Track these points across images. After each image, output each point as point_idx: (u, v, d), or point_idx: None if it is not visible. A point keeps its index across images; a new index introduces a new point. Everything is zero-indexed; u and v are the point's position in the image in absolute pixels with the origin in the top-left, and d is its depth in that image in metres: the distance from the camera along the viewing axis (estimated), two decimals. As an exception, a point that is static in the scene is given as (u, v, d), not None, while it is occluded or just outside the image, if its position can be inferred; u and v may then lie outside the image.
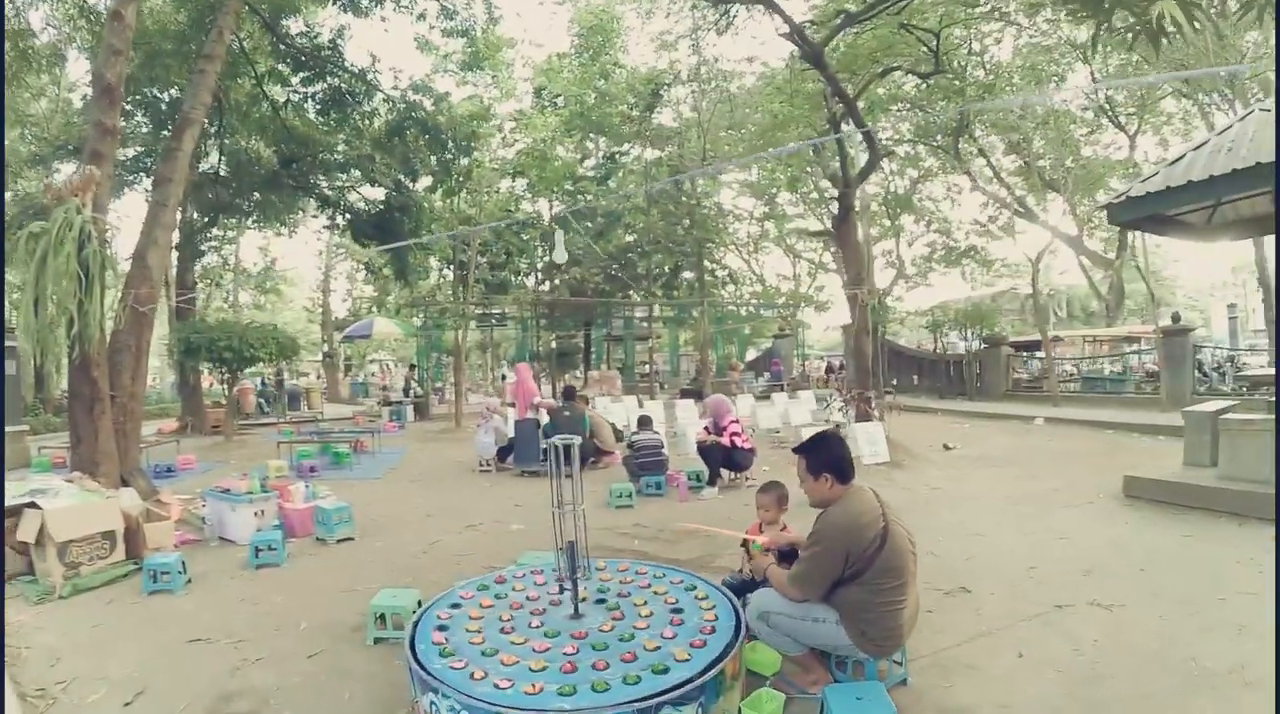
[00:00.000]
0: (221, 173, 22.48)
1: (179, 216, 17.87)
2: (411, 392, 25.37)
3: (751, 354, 34.96)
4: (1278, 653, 3.90)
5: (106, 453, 9.38)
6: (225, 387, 20.73)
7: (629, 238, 31.09)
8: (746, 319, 32.59)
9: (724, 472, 10.81)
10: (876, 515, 3.81)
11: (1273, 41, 18.56)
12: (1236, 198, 8.67)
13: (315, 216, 31.06)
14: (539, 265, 33.62)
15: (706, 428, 11.08)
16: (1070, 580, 5.94)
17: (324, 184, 25.25)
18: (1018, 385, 25.12)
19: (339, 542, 8.07)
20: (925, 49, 15.98)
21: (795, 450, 4.14)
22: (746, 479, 10.96)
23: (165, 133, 17.96)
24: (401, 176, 24.50)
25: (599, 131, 29.59)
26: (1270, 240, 12.80)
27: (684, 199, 29.42)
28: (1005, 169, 28.45)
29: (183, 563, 6.59)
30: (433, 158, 23.44)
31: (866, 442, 12.58)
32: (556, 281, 31.28)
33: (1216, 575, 5.85)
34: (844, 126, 17.19)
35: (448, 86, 26.02)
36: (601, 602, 4.37)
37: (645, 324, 32.62)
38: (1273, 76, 16.36)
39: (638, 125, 28.75)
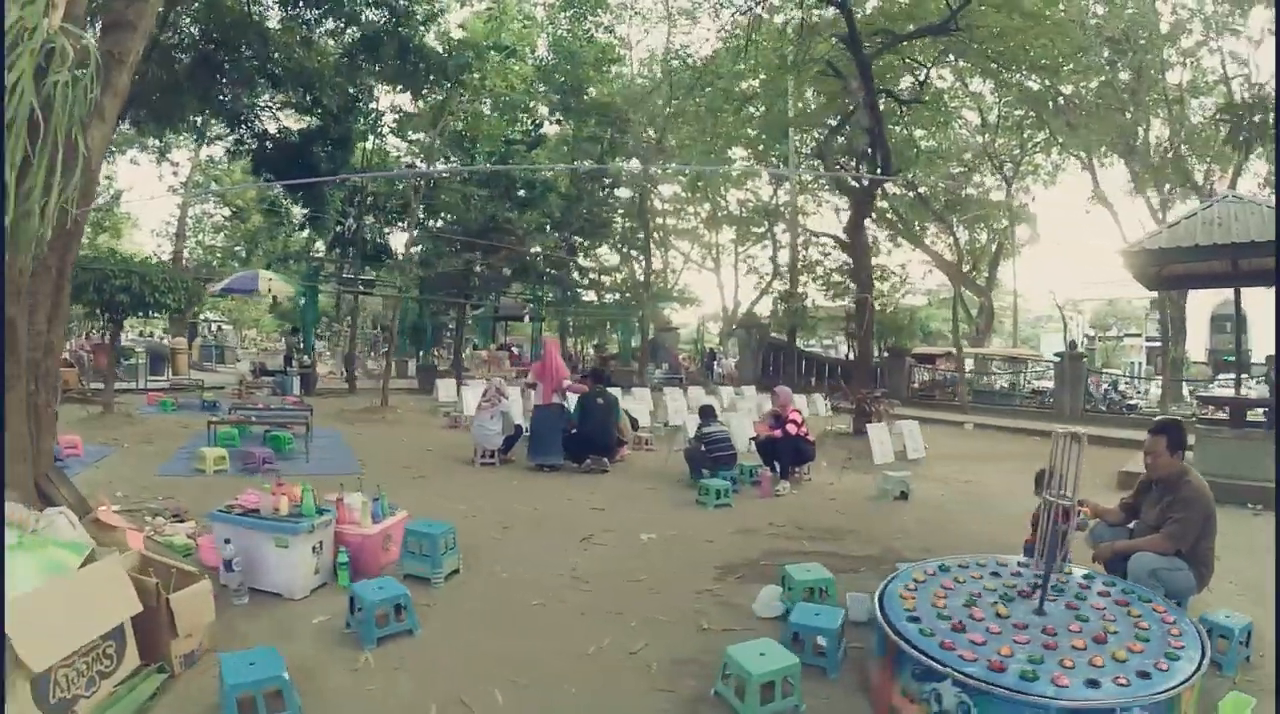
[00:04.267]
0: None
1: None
2: (295, 361, 22.61)
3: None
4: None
5: (17, 446, 5.52)
6: (105, 340, 17.63)
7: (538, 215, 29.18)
8: (610, 313, 32.12)
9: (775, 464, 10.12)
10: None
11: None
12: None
13: (211, 139, 26.45)
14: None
15: (768, 422, 10.47)
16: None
17: (241, 96, 19.48)
18: (916, 393, 26.29)
19: (449, 577, 5.74)
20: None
21: (1155, 431, 4.99)
22: (805, 472, 10.44)
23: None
24: (357, 102, 21.17)
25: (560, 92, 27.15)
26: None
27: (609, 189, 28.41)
28: (896, 195, 29.29)
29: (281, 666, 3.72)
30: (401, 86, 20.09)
31: (878, 443, 12.53)
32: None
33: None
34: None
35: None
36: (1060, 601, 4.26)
37: (531, 306, 31.19)
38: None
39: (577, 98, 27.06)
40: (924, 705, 3.46)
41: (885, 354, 26.60)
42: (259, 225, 33.36)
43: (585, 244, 29.98)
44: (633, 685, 4.14)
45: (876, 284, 30.48)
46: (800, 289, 29.69)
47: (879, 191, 25.90)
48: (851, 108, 17.30)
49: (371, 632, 4.45)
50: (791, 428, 10.03)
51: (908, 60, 19.47)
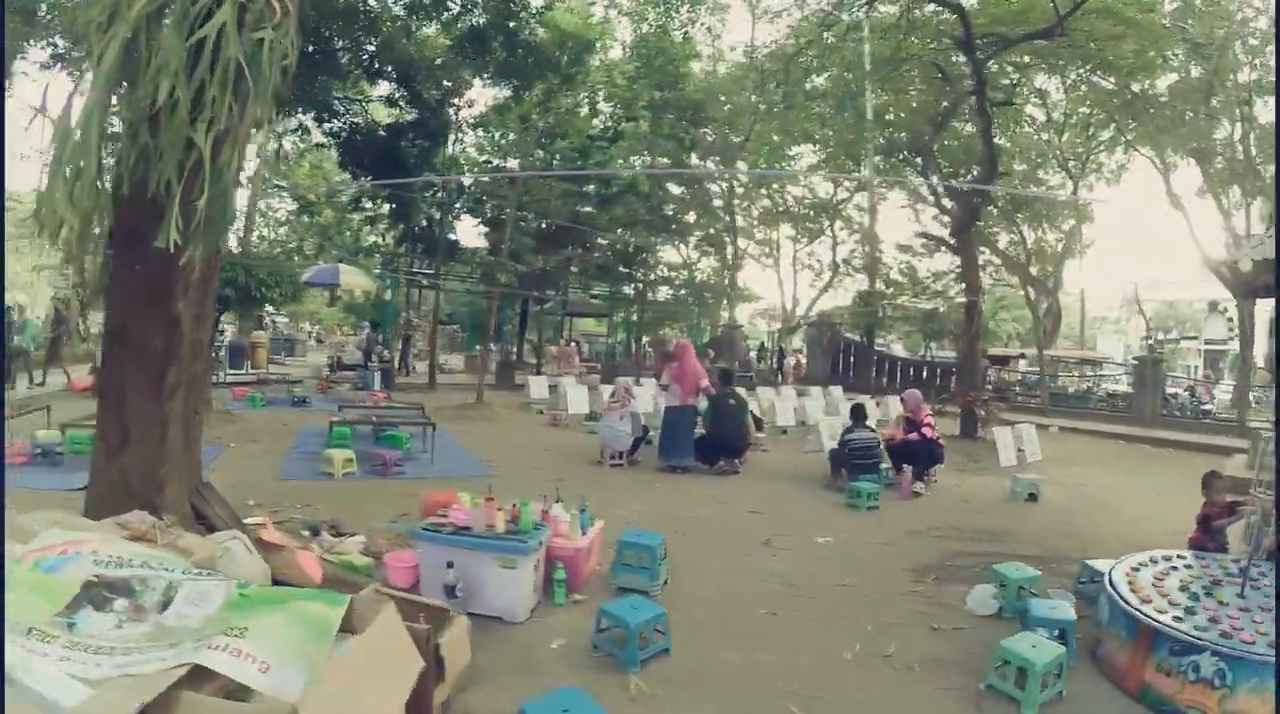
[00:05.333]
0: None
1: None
2: (375, 356, 22.72)
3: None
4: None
5: (175, 462, 5.08)
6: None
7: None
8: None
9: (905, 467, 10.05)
10: None
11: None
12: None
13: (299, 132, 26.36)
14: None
15: (901, 426, 10.50)
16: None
17: (336, 88, 18.53)
18: (991, 395, 25.56)
19: (661, 589, 5.52)
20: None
21: None
22: (933, 475, 10.38)
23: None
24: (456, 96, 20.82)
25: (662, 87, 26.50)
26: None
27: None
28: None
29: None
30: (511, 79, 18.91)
31: (1003, 446, 12.60)
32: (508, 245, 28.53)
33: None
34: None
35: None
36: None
37: (596, 302, 31.32)
38: None
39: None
40: (1180, 676, 3.98)
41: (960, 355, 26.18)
42: (329, 220, 33.56)
43: (659, 240, 29.92)
44: (908, 688, 4.22)
45: (950, 283, 30.43)
46: (878, 287, 29.46)
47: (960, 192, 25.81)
48: (949, 109, 17.22)
49: (635, 654, 4.25)
50: (928, 431, 10.08)
51: (1004, 64, 19.31)
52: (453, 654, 3.61)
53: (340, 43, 16.59)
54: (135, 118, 4.25)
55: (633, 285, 30.41)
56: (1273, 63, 26.19)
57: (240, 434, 11.63)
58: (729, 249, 32.42)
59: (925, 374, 27.65)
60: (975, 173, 25.63)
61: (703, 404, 10.97)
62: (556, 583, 5.19)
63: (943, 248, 29.53)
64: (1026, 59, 19.40)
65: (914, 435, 10.03)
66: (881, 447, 10.23)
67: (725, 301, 32.54)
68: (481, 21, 16.73)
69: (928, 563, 6.63)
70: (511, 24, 16.61)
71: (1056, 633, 4.50)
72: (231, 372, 21.63)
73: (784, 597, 5.64)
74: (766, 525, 7.83)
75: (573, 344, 30.38)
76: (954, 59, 17.84)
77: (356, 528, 6.45)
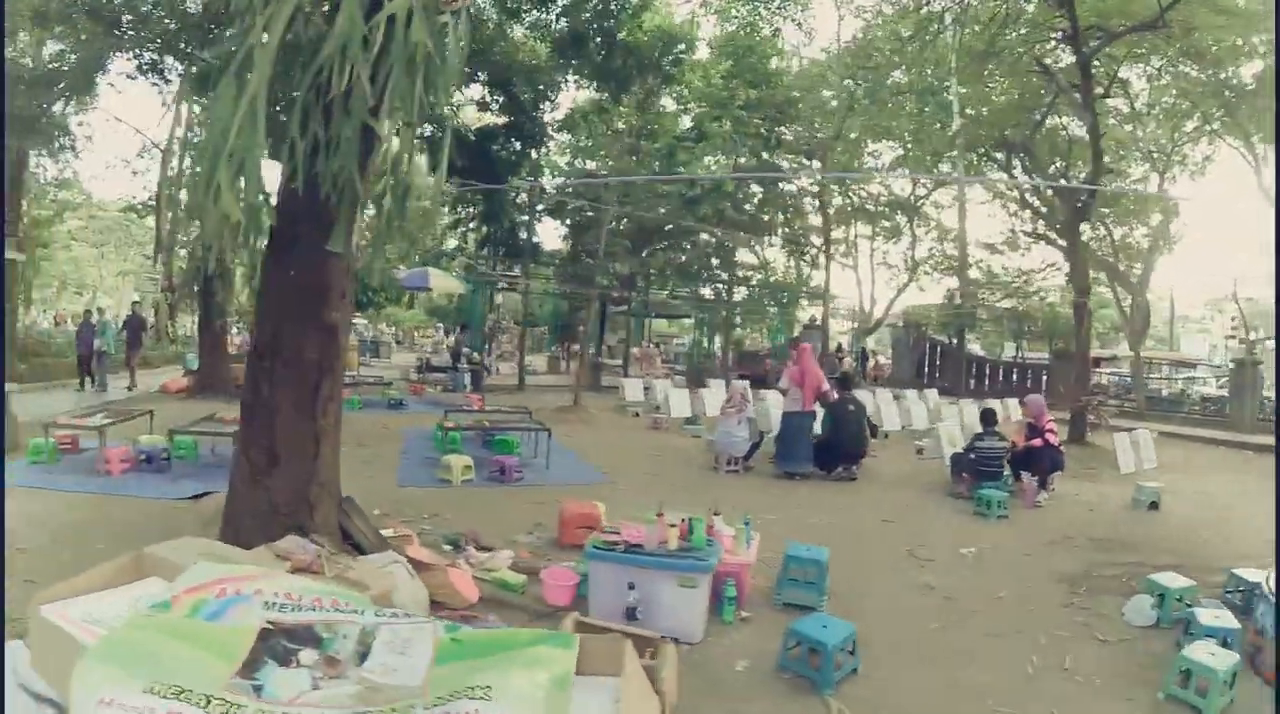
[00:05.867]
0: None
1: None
2: (465, 357, 23.04)
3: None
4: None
5: (326, 478, 5.06)
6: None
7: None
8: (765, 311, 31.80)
9: (1023, 475, 9.86)
10: None
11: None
12: None
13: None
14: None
15: (1023, 432, 10.25)
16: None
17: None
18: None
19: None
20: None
21: None
22: (1053, 482, 10.16)
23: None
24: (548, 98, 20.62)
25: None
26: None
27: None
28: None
29: None
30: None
31: (1122, 451, 12.46)
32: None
33: None
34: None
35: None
36: None
37: (676, 303, 31.22)
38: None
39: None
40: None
41: (1052, 357, 25.57)
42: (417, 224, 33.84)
43: (744, 240, 29.68)
44: (1095, 702, 4.23)
45: (1040, 282, 29.87)
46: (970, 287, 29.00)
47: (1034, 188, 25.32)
48: (1050, 104, 16.92)
49: (831, 676, 4.12)
50: (1051, 437, 9.92)
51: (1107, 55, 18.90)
52: (669, 689, 3.32)
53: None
54: (304, 105, 3.91)
55: (713, 286, 30.23)
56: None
57: (346, 438, 11.53)
58: (810, 248, 32.06)
59: (1016, 376, 27.11)
60: (1059, 166, 25.22)
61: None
62: (726, 600, 5.06)
63: (1030, 246, 29.07)
64: (1119, 50, 18.96)
65: (1037, 441, 9.86)
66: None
67: (805, 301, 32.18)
68: (582, 21, 16.59)
69: (1073, 573, 6.60)
70: (610, 23, 16.49)
71: (1221, 641, 4.53)
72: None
73: (947, 611, 5.60)
74: (903, 535, 7.80)
75: (653, 346, 30.44)
76: (1057, 51, 17.43)
77: (494, 540, 6.47)
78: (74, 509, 7.25)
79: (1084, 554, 7.30)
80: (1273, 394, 24.01)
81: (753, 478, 10.67)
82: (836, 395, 10.97)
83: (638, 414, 16.73)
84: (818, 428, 10.91)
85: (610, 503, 7.40)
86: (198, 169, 3.74)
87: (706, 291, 30.88)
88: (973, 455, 9.86)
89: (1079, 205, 17.66)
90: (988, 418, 10.44)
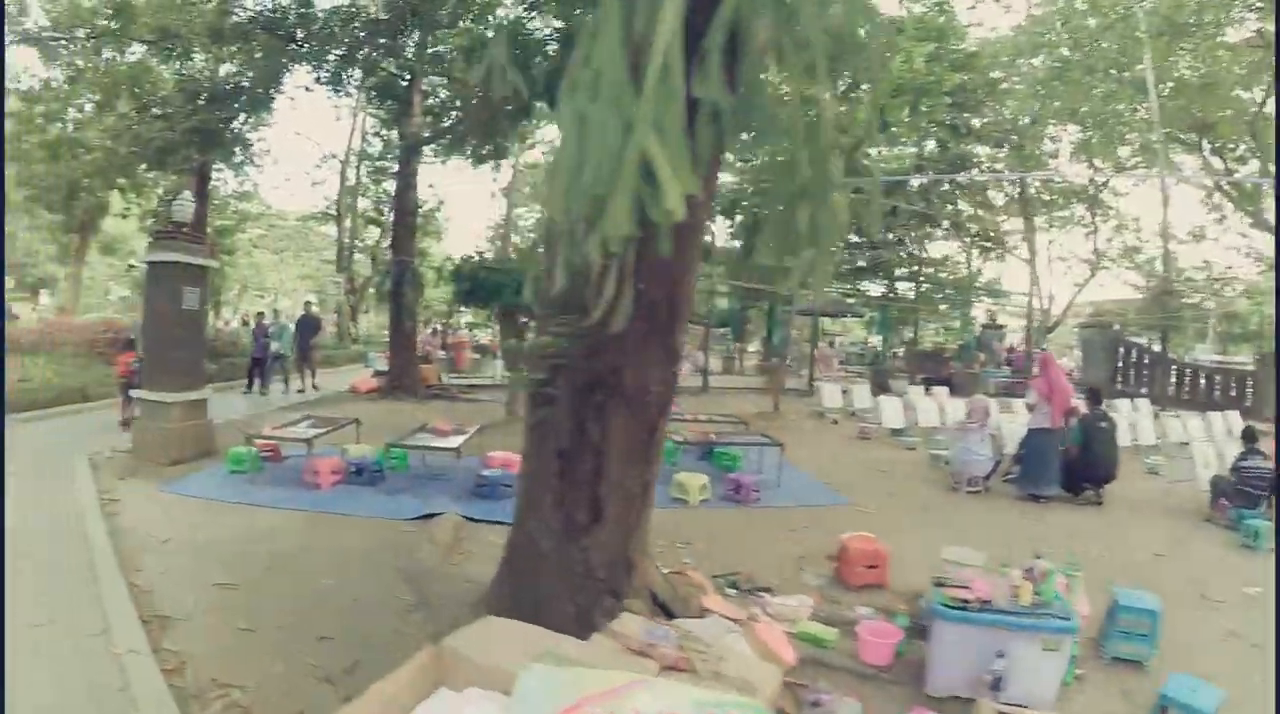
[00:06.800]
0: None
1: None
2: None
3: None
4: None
5: (644, 533, 4.30)
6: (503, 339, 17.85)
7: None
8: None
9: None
10: None
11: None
12: None
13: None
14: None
15: None
16: None
17: None
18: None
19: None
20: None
21: None
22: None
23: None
24: None
25: None
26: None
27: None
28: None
29: None
30: None
31: None
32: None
33: None
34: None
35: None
36: None
37: (850, 301, 29.76)
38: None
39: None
40: None
41: (1257, 361, 22.54)
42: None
43: (928, 233, 28.16)
44: None
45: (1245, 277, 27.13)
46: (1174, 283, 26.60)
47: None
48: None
49: None
50: None
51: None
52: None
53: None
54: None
55: (888, 282, 28.76)
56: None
57: None
58: (993, 242, 30.12)
59: (1219, 383, 23.88)
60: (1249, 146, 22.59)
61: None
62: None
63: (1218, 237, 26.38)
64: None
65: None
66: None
67: (987, 298, 30.29)
68: None
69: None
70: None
71: None
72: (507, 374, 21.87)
73: (1261, 662, 4.81)
74: (1179, 572, 6.83)
75: (829, 345, 29.15)
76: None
77: (768, 578, 5.79)
78: (285, 530, 6.79)
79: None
80: None
81: (994, 499, 9.59)
82: (1086, 410, 9.89)
83: (836, 421, 15.53)
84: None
85: (861, 529, 6.55)
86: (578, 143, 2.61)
87: (878, 288, 29.38)
88: (1237, 478, 8.68)
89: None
90: (1249, 436, 9.17)
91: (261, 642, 4.47)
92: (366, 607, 5.02)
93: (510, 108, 17.59)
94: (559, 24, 14.89)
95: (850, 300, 28.58)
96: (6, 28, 15.82)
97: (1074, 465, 9.51)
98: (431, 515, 7.11)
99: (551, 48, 15.16)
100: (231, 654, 4.28)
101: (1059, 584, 4.60)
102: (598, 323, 2.98)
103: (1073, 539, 7.65)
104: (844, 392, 16.84)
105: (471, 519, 7.12)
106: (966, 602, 4.23)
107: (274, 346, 17.07)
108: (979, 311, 31.00)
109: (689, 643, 2.95)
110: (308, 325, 18.22)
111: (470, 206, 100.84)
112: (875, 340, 33.18)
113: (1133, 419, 14.63)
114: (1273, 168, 21.12)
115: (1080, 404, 10.00)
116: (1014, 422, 11.98)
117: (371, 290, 31.49)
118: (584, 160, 2.50)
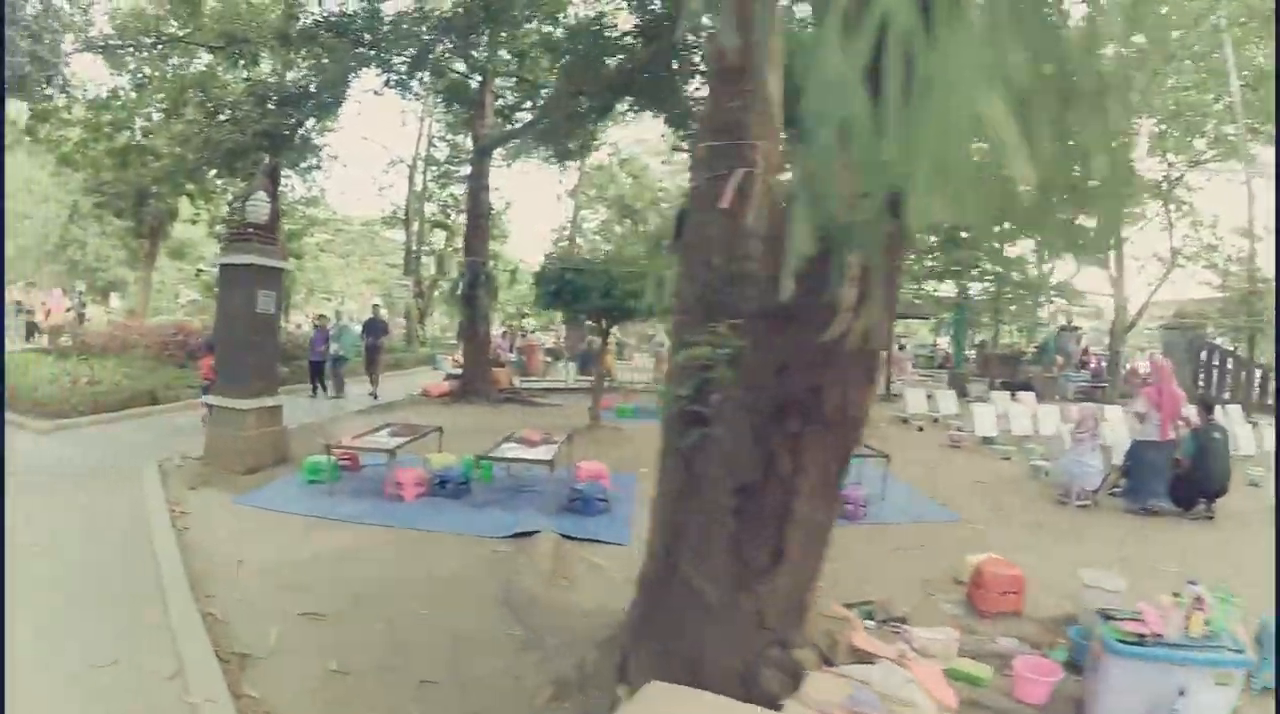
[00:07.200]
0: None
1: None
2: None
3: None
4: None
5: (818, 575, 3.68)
6: (594, 345, 17.61)
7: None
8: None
9: None
10: None
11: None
12: None
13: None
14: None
15: None
16: None
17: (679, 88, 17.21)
18: None
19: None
20: None
21: None
22: None
23: None
24: None
25: None
26: None
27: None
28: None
29: None
30: None
31: None
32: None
33: None
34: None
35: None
36: None
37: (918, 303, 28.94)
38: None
39: None
40: None
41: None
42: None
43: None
44: None
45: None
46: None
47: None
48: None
49: None
50: None
51: None
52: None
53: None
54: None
55: (959, 283, 27.84)
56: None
57: (639, 457, 9.56)
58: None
59: None
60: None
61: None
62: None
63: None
64: None
65: None
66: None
67: (1059, 298, 29.25)
68: None
69: None
70: None
71: None
72: (580, 377, 21.84)
73: None
74: None
75: (900, 348, 28.32)
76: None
77: (897, 604, 5.28)
78: (371, 549, 6.39)
79: None
80: None
81: (1105, 514, 8.95)
82: (1199, 421, 9.30)
83: (922, 427, 14.86)
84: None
85: (976, 548, 6.20)
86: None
87: (947, 288, 28.45)
88: None
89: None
90: None
91: (357, 687, 4.03)
92: (471, 643, 4.56)
93: (590, 106, 17.32)
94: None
95: (918, 302, 27.78)
96: (72, 37, 15.87)
97: (1186, 478, 8.92)
98: (525, 534, 6.68)
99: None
100: (323, 702, 3.86)
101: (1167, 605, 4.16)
102: (825, 335, 2.35)
103: (1197, 558, 7.10)
104: (928, 396, 16.11)
105: (570, 537, 6.68)
106: (1143, 636, 3.88)
107: (334, 348, 16.91)
108: (1050, 313, 30.01)
109: (893, 707, 2.48)
110: (375, 328, 18.02)
111: (533, 209, 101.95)
112: (944, 342, 32.34)
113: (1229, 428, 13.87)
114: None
115: (1191, 415, 9.44)
116: (1113, 431, 11.37)
117: (437, 293, 31.83)
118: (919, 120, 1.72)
